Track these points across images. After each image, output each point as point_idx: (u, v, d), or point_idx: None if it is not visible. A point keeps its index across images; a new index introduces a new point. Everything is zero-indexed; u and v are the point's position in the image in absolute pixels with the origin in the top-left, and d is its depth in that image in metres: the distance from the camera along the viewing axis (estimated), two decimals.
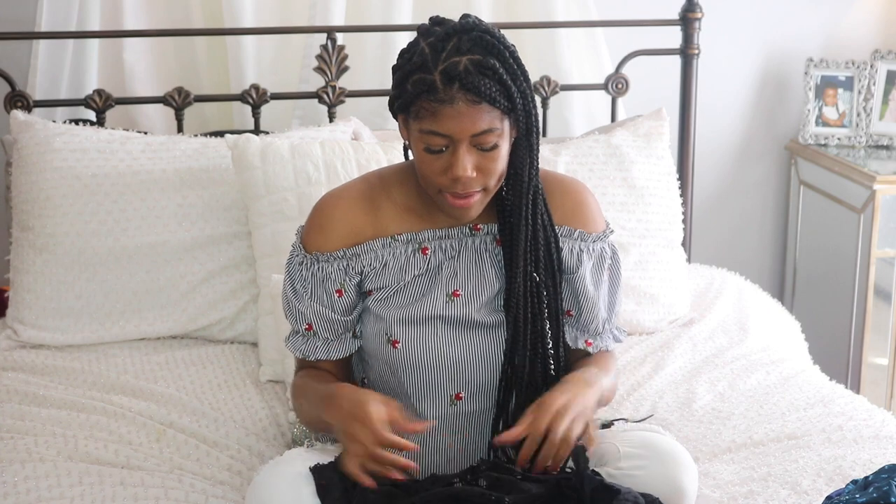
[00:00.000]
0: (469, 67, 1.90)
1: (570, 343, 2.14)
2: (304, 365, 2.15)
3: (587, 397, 1.97)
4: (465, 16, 1.99)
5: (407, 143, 2.04)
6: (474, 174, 1.95)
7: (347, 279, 2.08)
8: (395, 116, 2.04)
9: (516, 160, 2.01)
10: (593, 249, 2.12)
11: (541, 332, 2.07)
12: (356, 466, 1.87)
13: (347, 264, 2.08)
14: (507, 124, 1.96)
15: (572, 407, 1.92)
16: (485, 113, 1.91)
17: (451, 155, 1.94)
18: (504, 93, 1.92)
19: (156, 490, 2.12)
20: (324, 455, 2.00)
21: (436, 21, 1.99)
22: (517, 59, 1.96)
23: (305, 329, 2.10)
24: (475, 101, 1.90)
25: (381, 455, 1.86)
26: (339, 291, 2.08)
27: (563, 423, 1.90)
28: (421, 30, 1.98)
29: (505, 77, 1.92)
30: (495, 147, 1.95)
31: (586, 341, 2.14)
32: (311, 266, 2.08)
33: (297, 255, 2.11)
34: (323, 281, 2.08)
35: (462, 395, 2.09)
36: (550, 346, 2.09)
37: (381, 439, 1.87)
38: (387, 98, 2.07)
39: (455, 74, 1.89)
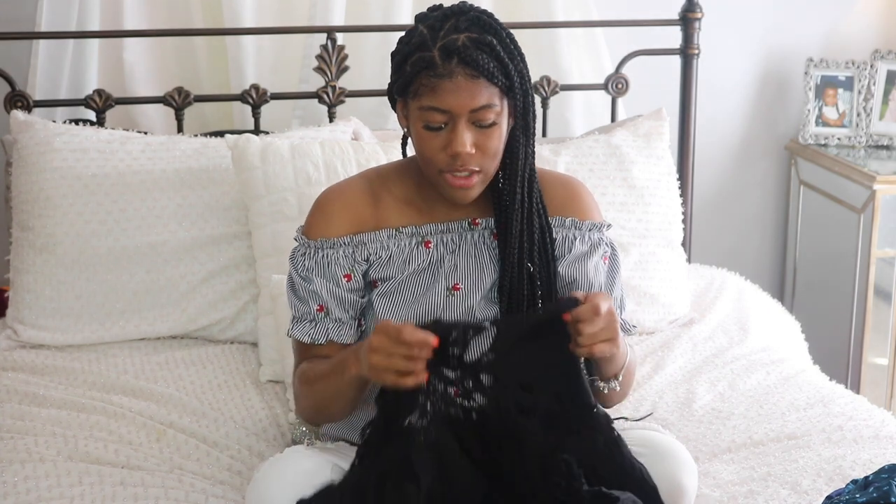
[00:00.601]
0: (467, 43, 1.93)
1: None
2: (306, 354, 2.13)
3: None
4: (462, 1, 2.03)
5: (405, 129, 2.05)
6: (473, 150, 1.96)
7: (356, 266, 2.08)
8: (393, 105, 2.06)
9: (513, 143, 2.02)
10: (588, 238, 2.13)
11: None
12: (390, 375, 1.82)
13: (353, 251, 2.08)
14: (505, 105, 1.98)
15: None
16: (483, 88, 1.94)
17: (451, 132, 1.96)
18: (502, 70, 1.95)
19: (156, 490, 2.12)
20: (324, 454, 2.00)
21: (433, 8, 2.02)
22: (514, 41, 1.99)
23: (317, 310, 2.09)
24: (474, 76, 1.92)
25: (407, 341, 1.81)
26: (347, 276, 2.08)
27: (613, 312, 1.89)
28: (419, 16, 2.02)
29: (502, 55, 1.95)
30: (494, 125, 1.96)
31: None
32: (314, 254, 2.08)
33: (300, 248, 2.11)
34: (329, 266, 2.08)
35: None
36: None
37: (403, 336, 1.81)
38: (387, 98, 2.08)
39: (454, 49, 1.92)
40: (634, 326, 2.22)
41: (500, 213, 2.07)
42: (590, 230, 2.13)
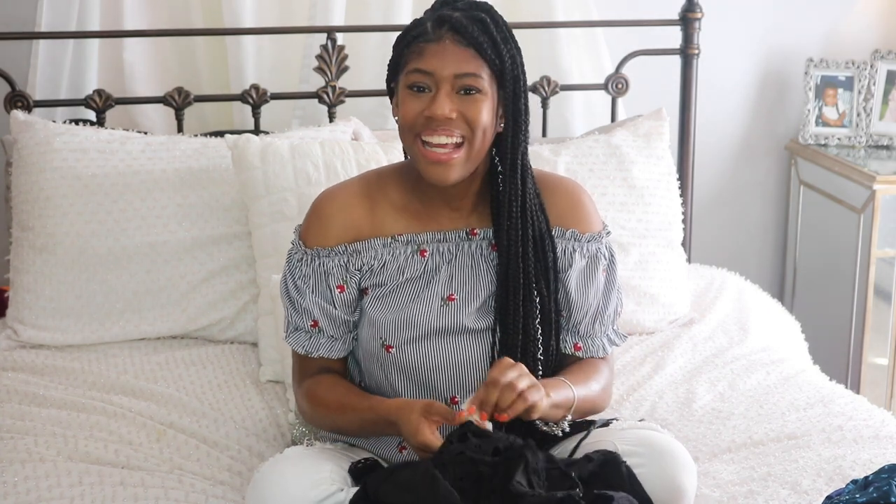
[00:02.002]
0: (461, 17, 1.97)
1: (560, 346, 2.13)
2: (306, 364, 2.14)
3: (543, 391, 1.94)
4: None
5: (397, 119, 2.05)
6: (453, 115, 1.97)
7: (348, 276, 2.08)
8: (390, 95, 2.07)
9: (505, 128, 2.03)
10: (587, 250, 2.12)
11: (532, 334, 2.06)
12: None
13: (348, 260, 2.08)
14: (493, 84, 1.99)
15: (526, 375, 1.90)
16: (471, 58, 1.97)
17: (432, 98, 1.98)
18: (493, 47, 1.97)
19: (156, 490, 2.12)
20: (323, 454, 2.00)
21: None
22: (509, 30, 2.02)
23: (311, 326, 2.10)
24: (462, 43, 1.96)
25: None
26: (340, 287, 2.09)
27: (512, 372, 1.88)
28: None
29: (495, 34, 1.98)
30: (478, 93, 1.97)
31: (575, 345, 2.14)
32: (311, 262, 2.09)
33: (297, 252, 2.11)
34: (325, 276, 2.08)
35: (457, 398, 2.09)
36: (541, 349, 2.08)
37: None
38: (387, 98, 2.09)
39: (446, 18, 1.97)
40: (625, 337, 2.22)
41: (498, 222, 2.07)
42: (589, 241, 2.13)
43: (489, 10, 2.01)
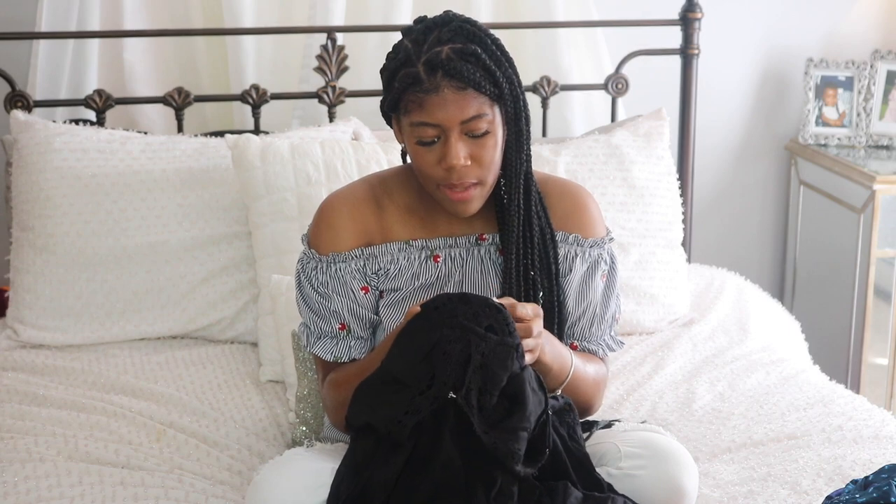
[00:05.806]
0: (451, 55, 1.92)
1: None
2: (331, 370, 2.11)
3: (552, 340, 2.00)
4: (446, 11, 2.01)
5: (403, 144, 2.04)
6: (468, 163, 1.95)
7: (367, 279, 2.08)
8: (388, 121, 2.05)
9: (507, 149, 2.01)
10: (588, 255, 2.12)
11: None
12: None
13: (364, 264, 2.07)
14: (497, 112, 1.96)
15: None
16: (472, 99, 1.92)
17: (443, 145, 1.95)
18: (489, 78, 1.93)
19: (156, 490, 2.12)
20: (323, 455, 2.00)
21: (418, 21, 2.01)
22: (500, 47, 1.98)
23: (339, 328, 2.09)
24: (461, 88, 1.92)
25: None
26: (365, 289, 2.08)
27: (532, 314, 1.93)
28: (404, 30, 2.01)
29: (489, 63, 1.93)
30: (487, 133, 1.95)
31: (572, 344, 2.14)
32: (327, 269, 2.07)
33: (311, 261, 2.09)
34: (345, 280, 2.07)
35: None
36: None
37: None
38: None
39: (437, 63, 1.91)
40: (622, 343, 2.22)
41: (504, 227, 2.06)
42: (591, 247, 2.12)
43: (476, 34, 1.95)
